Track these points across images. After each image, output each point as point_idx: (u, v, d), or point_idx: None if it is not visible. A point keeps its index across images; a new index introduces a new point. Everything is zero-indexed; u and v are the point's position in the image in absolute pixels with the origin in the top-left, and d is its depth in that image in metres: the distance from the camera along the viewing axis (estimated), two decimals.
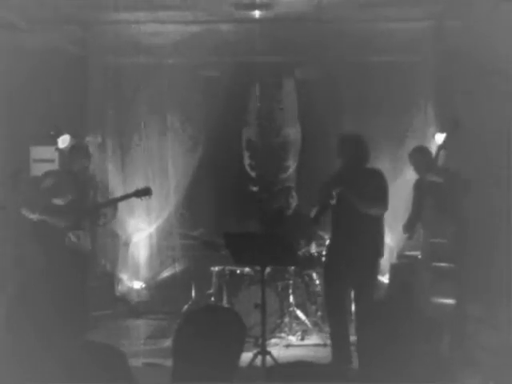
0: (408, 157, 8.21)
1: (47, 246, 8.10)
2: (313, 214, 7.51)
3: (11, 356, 3.17)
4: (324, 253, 9.19)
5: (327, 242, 9.43)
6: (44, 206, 8.13)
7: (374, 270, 7.52)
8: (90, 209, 8.37)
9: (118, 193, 10.51)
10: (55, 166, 9.85)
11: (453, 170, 7.77)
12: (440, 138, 9.12)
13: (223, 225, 10.25)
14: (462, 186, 7.55)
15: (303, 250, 9.56)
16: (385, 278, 9.82)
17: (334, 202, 7.20)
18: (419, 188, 8.03)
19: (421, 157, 8.01)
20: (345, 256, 7.34)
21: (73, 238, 8.20)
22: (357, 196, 7.19)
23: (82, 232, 8.30)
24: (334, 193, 7.18)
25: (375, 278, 7.62)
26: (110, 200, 9.07)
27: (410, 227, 8.04)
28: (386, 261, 10.41)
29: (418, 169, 8.03)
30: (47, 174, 8.60)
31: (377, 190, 7.34)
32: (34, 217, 8.11)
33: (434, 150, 8.10)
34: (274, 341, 8.79)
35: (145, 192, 8.48)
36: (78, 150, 8.68)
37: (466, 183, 7.62)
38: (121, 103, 11.29)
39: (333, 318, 7.60)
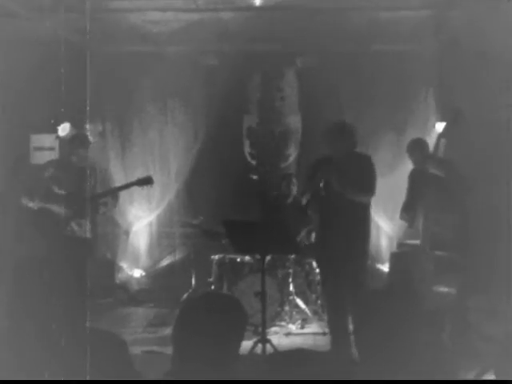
0: (406, 148, 8.21)
1: (48, 234, 8.10)
2: (304, 201, 7.54)
3: (12, 344, 3.17)
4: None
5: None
6: (44, 194, 8.14)
7: (363, 257, 7.50)
8: (90, 198, 8.37)
9: (119, 180, 10.53)
10: (55, 154, 9.86)
11: (452, 165, 7.76)
12: (441, 127, 9.14)
13: (223, 213, 10.26)
14: (461, 184, 7.57)
15: (303, 238, 9.58)
16: (385, 267, 9.83)
17: (322, 192, 7.23)
18: (415, 177, 8.04)
19: (418, 149, 8.02)
20: (333, 243, 7.32)
21: (75, 227, 8.21)
22: (342, 185, 7.17)
23: (83, 220, 8.30)
24: (321, 184, 7.20)
25: (364, 266, 7.58)
26: (111, 189, 9.07)
27: (404, 215, 8.06)
28: (385, 249, 10.46)
29: (415, 161, 8.04)
30: (48, 163, 8.61)
31: (363, 176, 7.32)
32: (33, 205, 8.11)
33: (433, 140, 8.09)
34: (274, 329, 8.82)
35: (146, 181, 8.49)
36: (77, 139, 8.68)
37: (464, 181, 7.64)
38: (121, 91, 11.29)
39: (330, 306, 7.60)
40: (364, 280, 7.32)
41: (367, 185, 7.32)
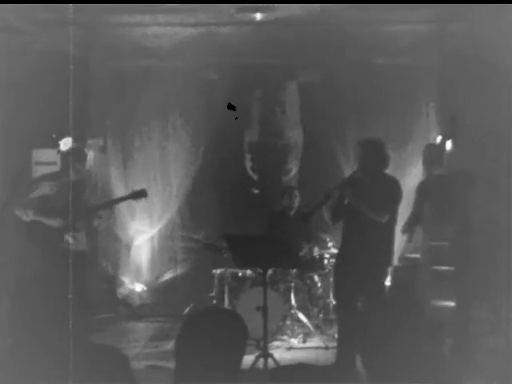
0: (422, 151, 8.22)
1: (43, 247, 8.10)
2: (305, 210, 7.55)
3: (13, 359, 3.17)
4: (327, 256, 9.25)
5: (329, 244, 9.47)
6: (37, 208, 8.14)
7: (383, 277, 7.49)
8: (84, 211, 8.35)
9: (120, 195, 10.53)
10: (57, 169, 9.86)
11: (456, 167, 7.81)
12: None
13: (225, 227, 10.26)
14: (464, 182, 7.58)
15: (304, 252, 9.57)
16: (386, 281, 9.80)
17: (332, 200, 7.22)
18: (422, 191, 8.04)
19: (431, 152, 8.02)
20: (355, 263, 7.27)
21: (69, 240, 8.18)
22: (361, 202, 7.15)
23: (77, 234, 8.28)
24: (333, 192, 7.19)
25: (383, 285, 7.59)
26: (106, 202, 9.07)
27: (408, 228, 8.04)
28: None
29: (425, 163, 8.03)
30: (41, 178, 8.63)
31: (388, 200, 7.26)
32: (27, 218, 8.12)
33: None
34: (275, 343, 8.80)
35: (140, 194, 8.47)
36: (73, 153, 8.69)
37: (468, 178, 7.65)
38: (122, 106, 11.31)
39: (343, 321, 7.54)
40: (382, 295, 7.30)
41: (388, 208, 7.24)
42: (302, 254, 9.43)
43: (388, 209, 7.20)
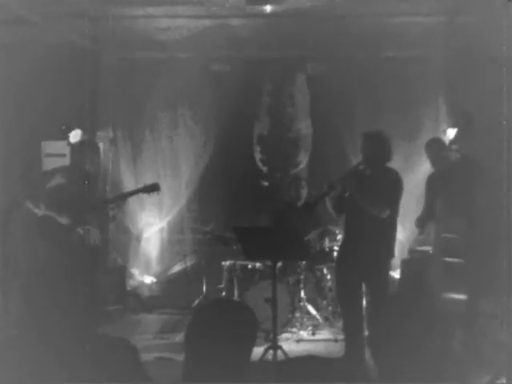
0: (424, 147, 8.19)
1: (54, 240, 8.09)
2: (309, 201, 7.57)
3: (22, 352, 3.18)
4: (336, 249, 9.22)
5: (338, 236, 9.44)
6: (49, 202, 8.13)
7: (386, 269, 7.47)
8: (98, 204, 8.33)
9: (129, 187, 10.52)
10: (66, 161, 9.87)
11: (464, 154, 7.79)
12: (451, 133, 9.13)
13: (234, 220, 10.25)
14: (473, 169, 7.56)
15: (314, 242, 9.55)
16: (396, 274, 9.80)
17: (335, 192, 7.20)
18: (432, 183, 8.02)
19: (436, 148, 8.00)
20: (357, 255, 7.26)
21: (81, 233, 8.18)
22: (363, 196, 7.12)
23: (90, 227, 8.28)
24: (336, 184, 7.17)
25: (387, 277, 7.56)
26: (118, 195, 9.05)
27: (421, 223, 8.04)
28: (396, 257, 10.45)
29: (432, 160, 8.01)
30: (55, 170, 8.62)
31: (388, 194, 7.23)
32: (38, 212, 8.12)
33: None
34: (285, 335, 8.80)
35: (153, 188, 8.41)
36: (87, 145, 8.69)
37: (477, 167, 7.64)
38: (132, 98, 11.31)
39: (347, 314, 7.55)
40: (384, 292, 7.28)
41: (389, 203, 7.20)
42: (307, 237, 9.35)
43: (389, 203, 7.16)
